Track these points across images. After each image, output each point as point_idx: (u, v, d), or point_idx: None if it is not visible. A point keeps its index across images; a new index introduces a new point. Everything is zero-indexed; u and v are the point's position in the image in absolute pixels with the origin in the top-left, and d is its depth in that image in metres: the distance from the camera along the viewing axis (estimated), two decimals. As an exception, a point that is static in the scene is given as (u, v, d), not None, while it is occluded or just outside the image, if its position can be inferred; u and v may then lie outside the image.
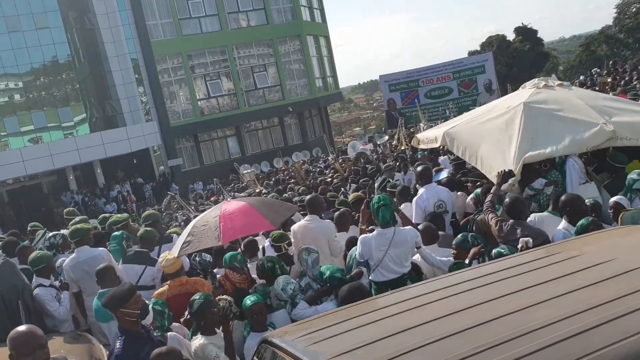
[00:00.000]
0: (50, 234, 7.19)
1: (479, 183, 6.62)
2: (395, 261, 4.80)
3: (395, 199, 7.28)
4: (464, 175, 7.66)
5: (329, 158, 23.91)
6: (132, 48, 31.68)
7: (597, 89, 15.24)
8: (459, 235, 4.97)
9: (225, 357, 3.89)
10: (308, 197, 6.59)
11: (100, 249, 6.27)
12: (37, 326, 5.26)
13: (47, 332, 5.38)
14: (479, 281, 2.58)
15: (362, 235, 5.03)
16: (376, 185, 8.97)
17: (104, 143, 29.33)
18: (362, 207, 5.59)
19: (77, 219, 7.87)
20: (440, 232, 5.72)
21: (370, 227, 5.31)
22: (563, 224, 4.78)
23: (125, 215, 8.04)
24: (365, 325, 2.34)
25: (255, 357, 2.76)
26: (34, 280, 5.68)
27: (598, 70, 20.55)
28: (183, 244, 5.03)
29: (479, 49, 48.20)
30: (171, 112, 33.23)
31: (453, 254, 4.89)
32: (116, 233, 6.66)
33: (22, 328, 3.18)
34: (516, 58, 45.80)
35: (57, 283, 5.78)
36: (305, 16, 38.35)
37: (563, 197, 4.92)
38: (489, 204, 5.20)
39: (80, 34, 32.91)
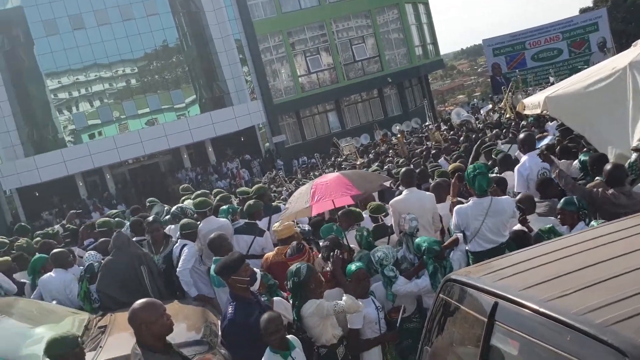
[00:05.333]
0: (170, 207, 7.82)
1: (585, 149, 6.33)
2: (492, 231, 4.76)
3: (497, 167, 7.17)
4: (572, 141, 7.34)
5: (428, 126, 23.46)
6: (235, 29, 32.72)
7: None
8: (564, 199, 4.81)
9: (346, 298, 4.06)
10: (401, 171, 6.63)
11: (222, 219, 6.67)
12: (161, 289, 5.88)
13: (172, 295, 5.96)
14: None
15: (458, 206, 5.02)
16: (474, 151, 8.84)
17: (214, 123, 30.82)
18: (453, 180, 5.53)
19: (199, 192, 8.42)
20: (554, 200, 5.51)
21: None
22: None
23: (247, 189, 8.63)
24: (546, 264, 2.54)
25: (440, 294, 3.03)
26: (178, 240, 6.21)
27: None
28: (283, 210, 5.41)
29: (591, 5, 44.70)
30: (274, 89, 34.11)
31: (559, 218, 4.75)
32: (223, 207, 7.10)
33: (143, 301, 3.41)
34: (635, 12, 41.93)
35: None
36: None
37: None
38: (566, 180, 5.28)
39: (187, 18, 34.48)
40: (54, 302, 6.06)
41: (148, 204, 9.28)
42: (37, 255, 6.89)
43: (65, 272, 6.30)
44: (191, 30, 34.43)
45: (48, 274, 6.32)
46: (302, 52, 34.94)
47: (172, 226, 7.17)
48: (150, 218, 6.96)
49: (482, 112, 22.57)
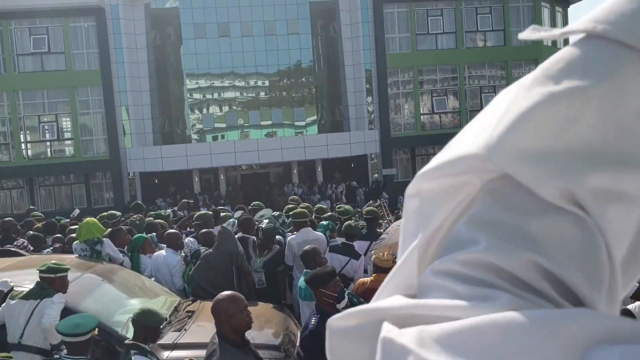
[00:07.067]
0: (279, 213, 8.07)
1: None
2: None
3: None
4: None
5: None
6: (368, 58, 33.24)
7: None
8: None
9: None
10: None
11: (319, 232, 6.80)
12: (245, 292, 6.02)
13: (252, 299, 6.09)
14: None
15: None
16: None
17: (328, 144, 31.39)
18: None
19: (304, 205, 8.66)
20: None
21: None
22: None
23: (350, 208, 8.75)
24: None
25: None
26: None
27: None
28: (379, 240, 5.34)
29: None
30: (393, 123, 34.15)
31: None
32: (323, 222, 7.17)
33: (228, 293, 3.70)
34: None
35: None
36: (547, 40, 36.31)
37: None
38: None
39: (324, 42, 35.63)
40: (152, 279, 6.40)
41: (251, 207, 9.61)
42: (139, 234, 7.35)
43: (174, 254, 6.61)
44: (326, 54, 35.49)
45: (160, 251, 6.68)
46: (429, 91, 34.76)
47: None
48: (264, 223, 7.10)
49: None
